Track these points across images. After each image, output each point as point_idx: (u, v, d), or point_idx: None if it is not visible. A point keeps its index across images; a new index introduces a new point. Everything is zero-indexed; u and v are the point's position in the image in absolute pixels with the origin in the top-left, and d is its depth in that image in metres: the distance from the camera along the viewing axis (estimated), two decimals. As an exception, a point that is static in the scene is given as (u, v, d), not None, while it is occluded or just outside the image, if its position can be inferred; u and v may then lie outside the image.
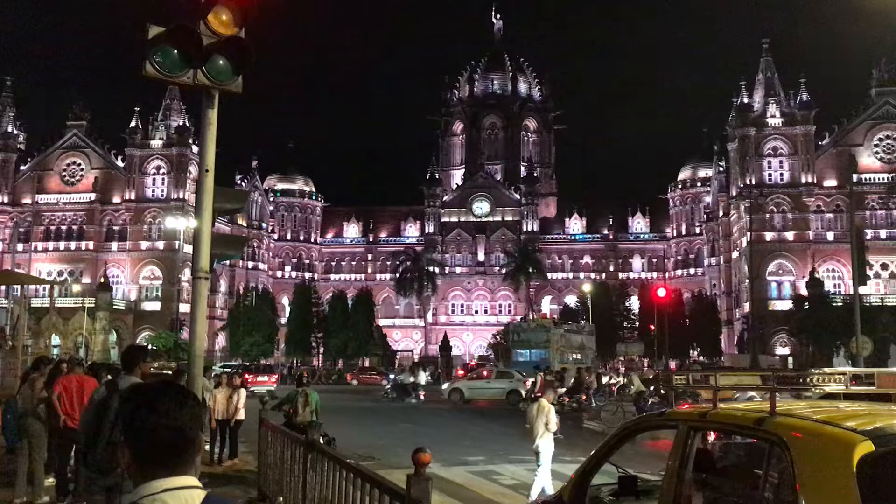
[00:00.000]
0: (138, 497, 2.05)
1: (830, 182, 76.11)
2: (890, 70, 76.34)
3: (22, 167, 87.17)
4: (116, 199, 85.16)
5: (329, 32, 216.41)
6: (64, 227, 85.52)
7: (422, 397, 38.46)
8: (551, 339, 44.69)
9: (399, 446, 17.06)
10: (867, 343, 29.48)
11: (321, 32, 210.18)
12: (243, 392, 16.72)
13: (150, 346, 64.20)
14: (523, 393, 32.92)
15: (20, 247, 75.35)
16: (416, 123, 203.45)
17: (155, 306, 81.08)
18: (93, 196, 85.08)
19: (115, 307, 75.52)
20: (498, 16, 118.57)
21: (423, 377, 46.35)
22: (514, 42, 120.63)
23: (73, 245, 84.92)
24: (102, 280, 76.92)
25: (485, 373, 41.19)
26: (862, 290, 32.36)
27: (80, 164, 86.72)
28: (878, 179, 74.05)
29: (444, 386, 39.17)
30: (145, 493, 2.05)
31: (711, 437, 5.01)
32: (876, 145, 76.52)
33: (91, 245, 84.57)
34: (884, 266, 72.83)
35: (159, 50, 6.69)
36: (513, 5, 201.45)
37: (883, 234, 71.85)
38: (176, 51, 6.75)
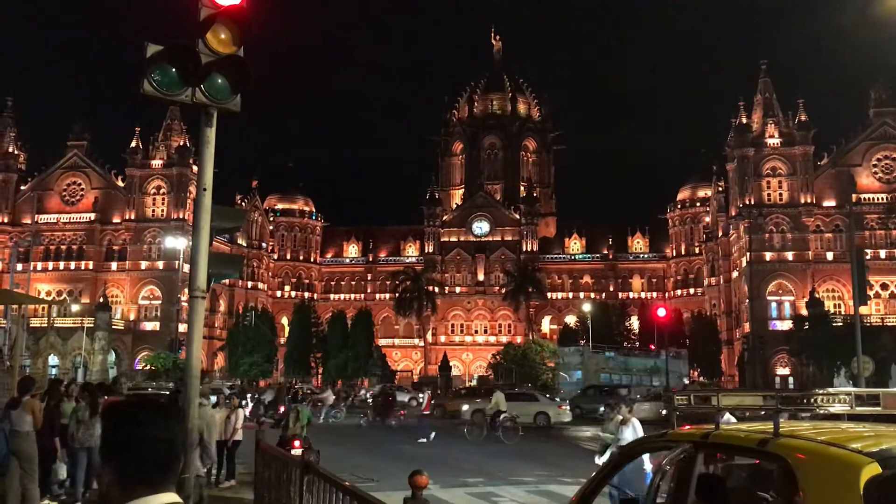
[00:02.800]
0: None
1: (829, 202, 76.20)
2: (888, 91, 76.69)
3: (22, 187, 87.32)
4: (116, 219, 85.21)
5: (329, 53, 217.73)
6: (63, 247, 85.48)
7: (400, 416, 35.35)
8: (584, 361, 47.79)
9: (397, 467, 16.98)
10: (868, 363, 29.37)
11: (321, 52, 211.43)
12: (241, 413, 16.61)
13: (148, 367, 64.11)
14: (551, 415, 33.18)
15: (19, 266, 75.18)
16: (415, 143, 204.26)
17: (154, 326, 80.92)
18: (93, 216, 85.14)
19: (114, 327, 75.29)
20: (497, 37, 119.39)
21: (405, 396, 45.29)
22: (514, 63, 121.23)
23: (72, 265, 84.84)
24: (101, 300, 76.78)
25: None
26: (862, 310, 32.27)
27: (80, 184, 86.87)
28: (877, 199, 74.16)
29: (465, 407, 36.59)
30: None
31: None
32: (874, 165, 76.69)
33: (91, 265, 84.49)
34: (884, 286, 72.74)
35: (158, 69, 6.69)
36: (512, 27, 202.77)
37: (882, 253, 71.82)
38: (174, 69, 6.76)
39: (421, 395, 35.75)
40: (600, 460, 12.03)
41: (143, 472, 2.02)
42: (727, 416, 9.62)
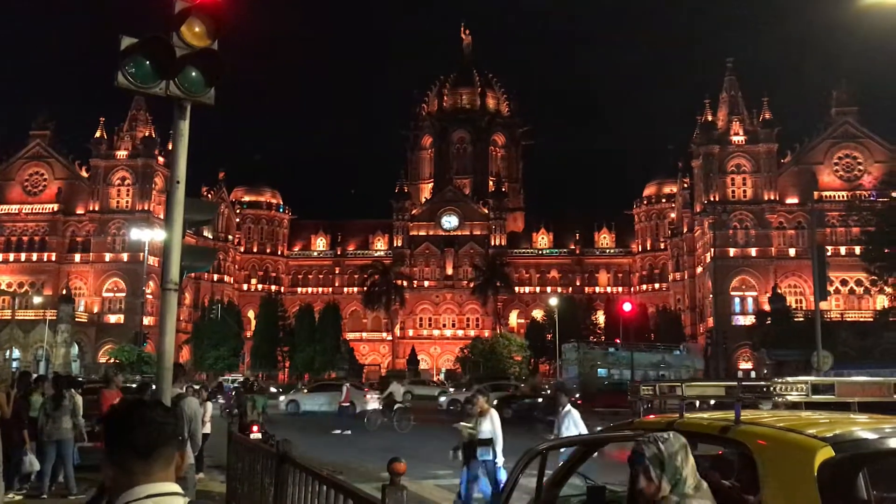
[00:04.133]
0: (121, 503, 2.07)
1: (792, 199, 77.56)
2: (849, 91, 78.17)
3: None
4: (80, 210, 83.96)
5: (299, 45, 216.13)
6: (25, 238, 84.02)
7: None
8: (580, 357, 48.64)
9: (366, 460, 17.10)
10: (828, 357, 29.97)
11: (291, 45, 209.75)
12: (209, 406, 16.59)
13: (113, 360, 63.31)
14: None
15: (-21, 258, 73.95)
16: (385, 137, 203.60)
17: (118, 319, 79.93)
18: (56, 206, 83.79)
19: (77, 320, 74.23)
20: (467, 32, 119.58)
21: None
22: (484, 58, 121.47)
23: (34, 256, 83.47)
24: (64, 292, 75.67)
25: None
26: (822, 305, 32.95)
27: (43, 175, 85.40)
28: (838, 197, 75.60)
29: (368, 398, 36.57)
30: (129, 500, 2.07)
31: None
32: (836, 164, 78.20)
33: (53, 256, 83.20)
34: (843, 282, 74.28)
35: (132, 61, 6.68)
36: (483, 22, 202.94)
37: (843, 250, 73.31)
38: (149, 62, 6.75)
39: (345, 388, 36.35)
40: (457, 454, 11.51)
41: (139, 453, 2.11)
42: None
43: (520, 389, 44.09)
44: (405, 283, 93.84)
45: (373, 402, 32.72)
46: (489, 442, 10.82)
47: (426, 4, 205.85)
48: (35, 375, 16.88)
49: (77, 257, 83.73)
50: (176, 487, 2.15)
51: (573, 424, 11.54)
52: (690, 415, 4.17)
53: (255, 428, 15.36)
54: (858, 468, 3.16)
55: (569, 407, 11.69)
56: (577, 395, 40.60)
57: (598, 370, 49.46)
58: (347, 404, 31.42)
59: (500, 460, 11.02)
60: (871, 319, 62.95)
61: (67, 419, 11.65)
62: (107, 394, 12.40)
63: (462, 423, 11.53)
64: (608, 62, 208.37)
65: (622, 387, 41.28)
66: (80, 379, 28.91)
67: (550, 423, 13.59)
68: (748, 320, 71.51)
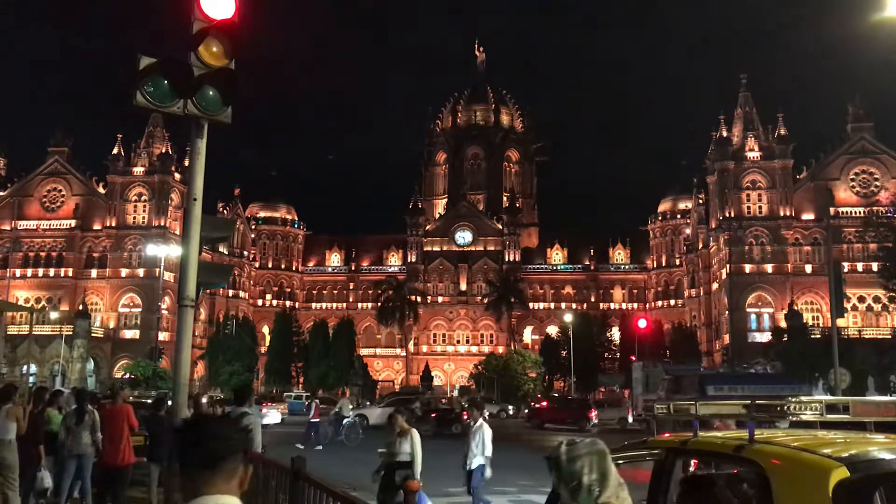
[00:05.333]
0: None
1: (808, 215, 77.08)
2: (865, 106, 77.81)
3: (1, 193, 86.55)
4: (97, 226, 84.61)
5: (314, 62, 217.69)
6: (43, 254, 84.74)
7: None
8: (645, 376, 48.46)
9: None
10: (845, 375, 29.71)
11: (307, 62, 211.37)
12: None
13: (128, 375, 63.56)
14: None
15: (-2, 273, 74.60)
16: (399, 153, 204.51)
17: (134, 334, 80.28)
18: (73, 222, 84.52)
19: (93, 335, 74.65)
20: (481, 48, 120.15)
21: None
22: (498, 74, 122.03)
23: (51, 272, 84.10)
24: (81, 307, 76.13)
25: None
26: (840, 322, 32.69)
27: (60, 191, 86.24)
28: (855, 213, 74.95)
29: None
30: None
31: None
32: (852, 180, 77.71)
33: (70, 272, 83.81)
34: (861, 299, 73.56)
35: (150, 80, 6.80)
36: (497, 39, 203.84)
37: (860, 266, 72.64)
38: (166, 81, 6.86)
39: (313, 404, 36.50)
40: (377, 477, 10.65)
41: (202, 466, 2.27)
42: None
43: (432, 404, 44.52)
44: (419, 299, 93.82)
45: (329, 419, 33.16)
46: (409, 465, 10.10)
47: (440, 22, 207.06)
48: (53, 390, 16.99)
49: (94, 273, 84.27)
50: (236, 501, 2.28)
51: (482, 440, 11.56)
52: (705, 433, 4.16)
53: None
54: (874, 488, 3.14)
55: (481, 422, 11.74)
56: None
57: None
58: (317, 420, 31.48)
59: (487, 472, 10.89)
60: (890, 336, 62.31)
61: (87, 434, 11.69)
62: (109, 409, 12.22)
63: (380, 450, 10.84)
64: (623, 78, 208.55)
65: None
66: (98, 395, 29.08)
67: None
68: (764, 337, 70.84)
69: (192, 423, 2.41)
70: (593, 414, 43.98)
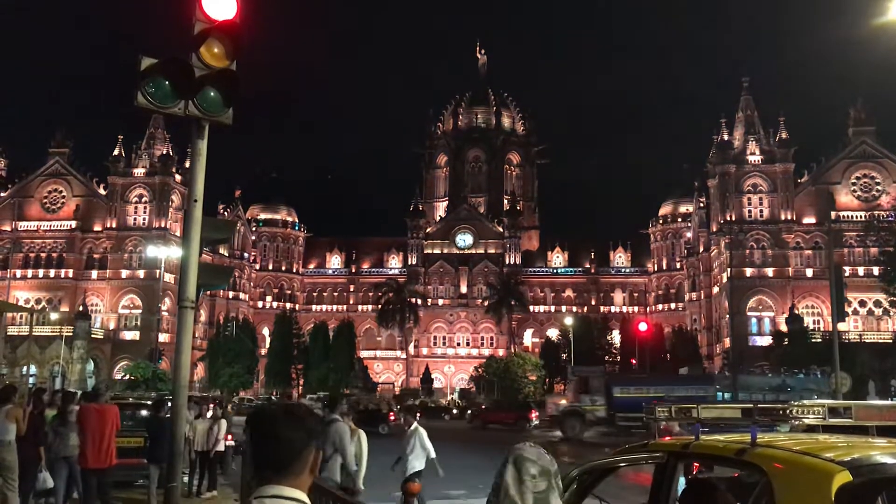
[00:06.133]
0: (254, 496, 2.46)
1: (809, 219, 77.06)
2: (866, 110, 77.79)
3: (2, 194, 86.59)
4: (97, 227, 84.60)
5: (315, 64, 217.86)
6: (43, 255, 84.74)
7: None
8: None
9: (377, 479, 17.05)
10: (846, 379, 29.67)
11: (307, 64, 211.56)
12: (223, 423, 16.59)
13: (128, 377, 63.48)
14: None
15: (-2, 274, 74.60)
16: (400, 155, 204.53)
17: (134, 336, 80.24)
18: (73, 224, 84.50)
19: (93, 336, 74.62)
20: (483, 51, 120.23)
21: None
22: (499, 77, 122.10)
23: (52, 273, 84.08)
24: (81, 308, 76.12)
25: None
26: (841, 326, 32.67)
27: (61, 192, 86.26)
28: (856, 217, 74.94)
29: None
30: (258, 495, 2.44)
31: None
32: (853, 184, 77.68)
33: (70, 273, 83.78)
34: (862, 303, 73.50)
35: (151, 81, 6.78)
36: (498, 41, 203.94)
37: (861, 270, 72.61)
38: (168, 82, 6.85)
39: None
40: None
41: (266, 464, 2.46)
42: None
43: (361, 404, 44.37)
44: (419, 302, 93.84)
45: None
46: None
47: (442, 24, 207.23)
48: (55, 390, 16.95)
49: (94, 274, 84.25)
50: (300, 494, 2.44)
51: (418, 443, 11.54)
52: (707, 437, 4.15)
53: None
54: (877, 493, 3.13)
55: (415, 426, 11.74)
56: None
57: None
58: None
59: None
60: (890, 341, 62.27)
61: (74, 436, 11.55)
62: (95, 408, 11.62)
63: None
64: (624, 81, 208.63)
65: None
66: (106, 391, 29.06)
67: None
68: (765, 341, 70.81)
69: (257, 419, 2.53)
70: (534, 415, 45.52)
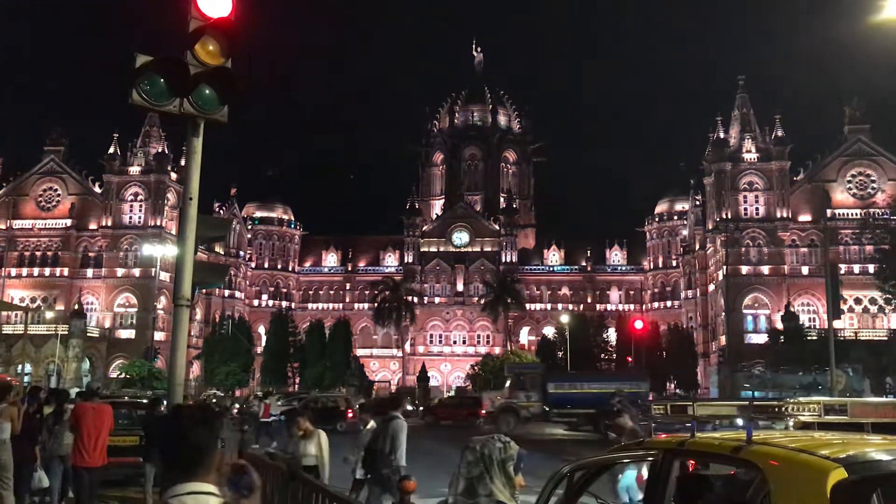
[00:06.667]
0: (167, 497, 2.59)
1: (805, 217, 77.20)
2: (861, 108, 77.94)
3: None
4: (93, 226, 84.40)
5: (311, 61, 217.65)
6: (38, 253, 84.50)
7: None
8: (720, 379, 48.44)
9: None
10: (841, 377, 29.77)
11: (303, 61, 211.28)
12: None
13: (124, 375, 63.39)
14: None
15: (-7, 272, 74.39)
16: (396, 153, 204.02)
17: (129, 334, 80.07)
18: (69, 222, 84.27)
19: (88, 335, 74.46)
20: (479, 49, 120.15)
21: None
22: (495, 75, 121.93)
23: (47, 271, 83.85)
24: (76, 307, 75.96)
25: None
26: (836, 324, 32.76)
27: (56, 190, 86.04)
28: (852, 215, 75.12)
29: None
30: (174, 493, 2.58)
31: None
32: (849, 181, 77.83)
33: (66, 271, 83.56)
34: (857, 301, 73.64)
35: (146, 79, 6.77)
36: (494, 39, 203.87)
37: (856, 268, 72.76)
38: (163, 80, 6.83)
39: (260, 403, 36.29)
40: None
41: (179, 465, 2.63)
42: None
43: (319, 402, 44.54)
44: (416, 300, 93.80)
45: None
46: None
47: (438, 22, 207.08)
48: (50, 389, 16.91)
49: (89, 272, 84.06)
50: (212, 488, 2.59)
51: (317, 448, 11.42)
52: (702, 434, 4.15)
53: None
54: (872, 490, 3.12)
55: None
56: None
57: (742, 392, 49.33)
58: (268, 420, 31.41)
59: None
60: (886, 338, 62.44)
61: (68, 434, 11.53)
62: (91, 407, 11.61)
63: (268, 450, 10.48)
64: (620, 79, 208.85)
65: None
66: (100, 389, 29.06)
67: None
68: (761, 339, 70.94)
69: (164, 425, 2.77)
70: (483, 411, 45.83)
